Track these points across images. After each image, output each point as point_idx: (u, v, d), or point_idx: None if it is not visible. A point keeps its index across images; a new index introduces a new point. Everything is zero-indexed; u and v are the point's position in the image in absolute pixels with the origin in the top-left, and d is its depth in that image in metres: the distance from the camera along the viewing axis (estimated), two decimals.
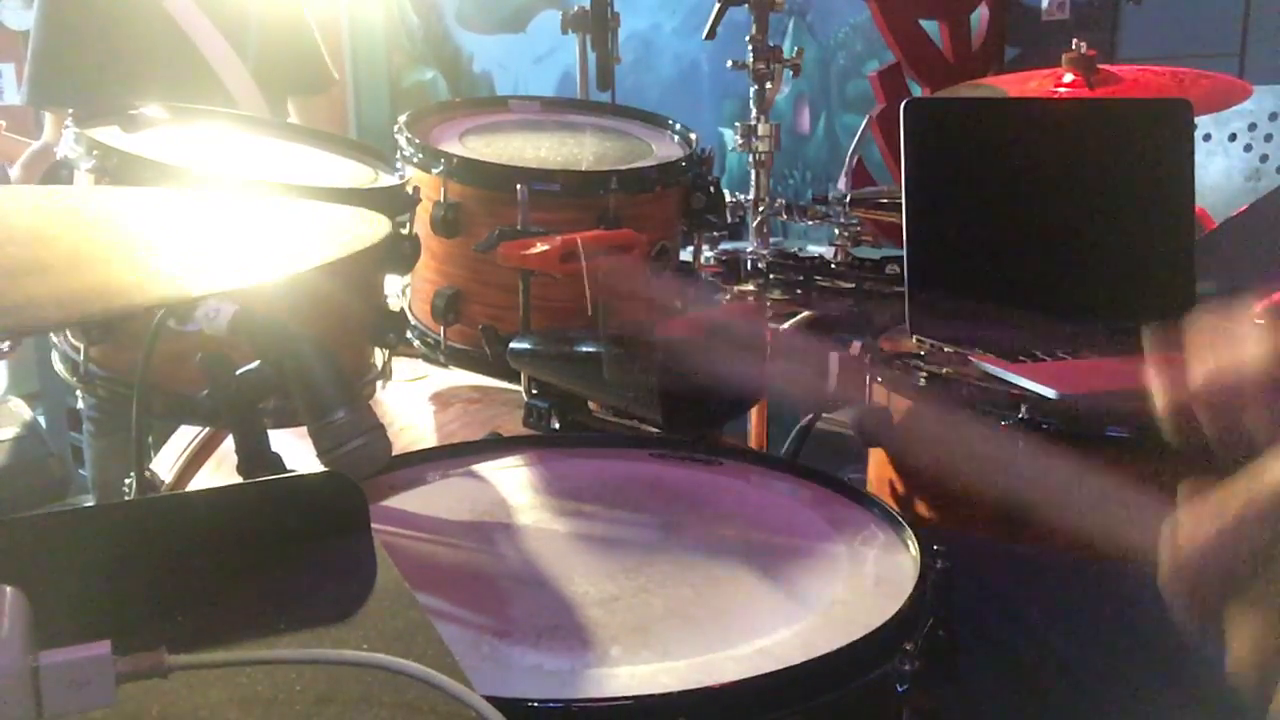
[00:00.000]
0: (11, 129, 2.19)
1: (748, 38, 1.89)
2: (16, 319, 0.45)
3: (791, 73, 1.92)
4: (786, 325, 1.95)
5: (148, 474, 1.33)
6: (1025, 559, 1.09)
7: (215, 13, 2.00)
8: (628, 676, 0.72)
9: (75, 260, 0.53)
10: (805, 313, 1.92)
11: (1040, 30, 2.99)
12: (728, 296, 1.86)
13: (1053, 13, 2.96)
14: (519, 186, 1.31)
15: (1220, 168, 2.53)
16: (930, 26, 2.93)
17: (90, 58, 1.97)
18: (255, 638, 0.58)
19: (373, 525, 0.71)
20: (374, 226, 0.66)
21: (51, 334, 1.21)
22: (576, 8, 2.06)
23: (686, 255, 1.58)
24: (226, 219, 0.73)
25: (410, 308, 1.50)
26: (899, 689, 0.75)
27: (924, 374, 1.31)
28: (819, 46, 3.55)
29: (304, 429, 0.88)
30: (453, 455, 1.13)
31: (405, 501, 1.02)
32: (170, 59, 1.97)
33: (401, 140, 1.43)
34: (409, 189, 1.26)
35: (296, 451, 0.94)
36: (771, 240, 1.98)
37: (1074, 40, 1.92)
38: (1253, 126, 2.50)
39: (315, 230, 0.68)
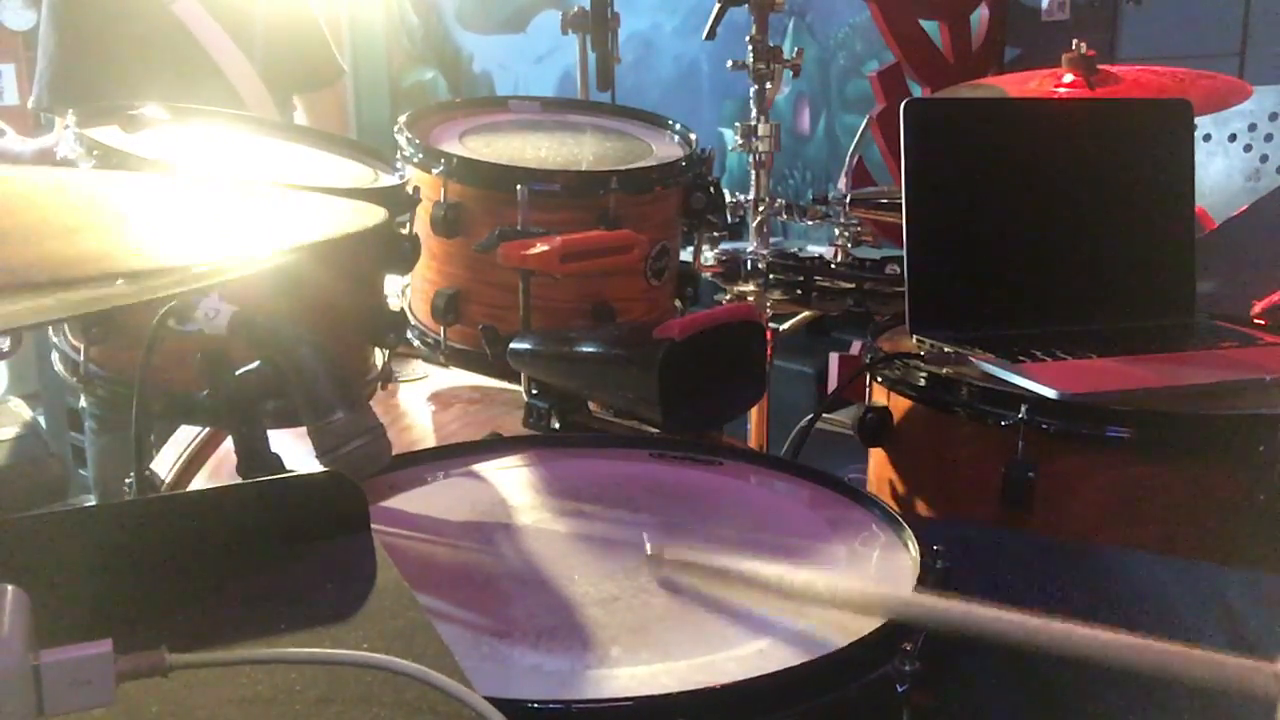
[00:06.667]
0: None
1: (748, 38, 1.88)
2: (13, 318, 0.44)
3: (791, 73, 1.92)
4: (786, 325, 1.96)
5: (148, 474, 1.33)
6: (1027, 551, 1.09)
7: (221, 14, 2.00)
8: (627, 677, 0.72)
9: (49, 231, 0.52)
10: (805, 312, 1.93)
11: (1040, 30, 2.99)
12: (728, 297, 1.86)
13: (1053, 13, 2.96)
14: (519, 186, 1.31)
15: (1220, 168, 2.53)
16: (930, 26, 2.93)
17: (97, 61, 1.97)
18: (255, 637, 0.58)
19: (373, 525, 0.71)
20: (367, 214, 0.65)
21: (51, 334, 1.21)
22: (576, 8, 2.06)
23: (686, 255, 1.57)
24: (218, 206, 0.73)
25: (410, 308, 1.50)
26: (899, 689, 0.75)
27: (924, 374, 1.31)
28: (819, 46, 3.55)
29: (304, 429, 0.88)
30: (453, 455, 1.13)
31: (405, 501, 1.02)
32: (177, 61, 1.97)
33: (401, 140, 1.43)
34: (409, 189, 1.26)
35: (296, 451, 0.95)
36: (771, 240, 1.98)
37: (1074, 40, 1.92)
38: (1253, 126, 2.50)
39: (307, 216, 0.68)
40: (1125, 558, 1.10)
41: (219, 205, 0.72)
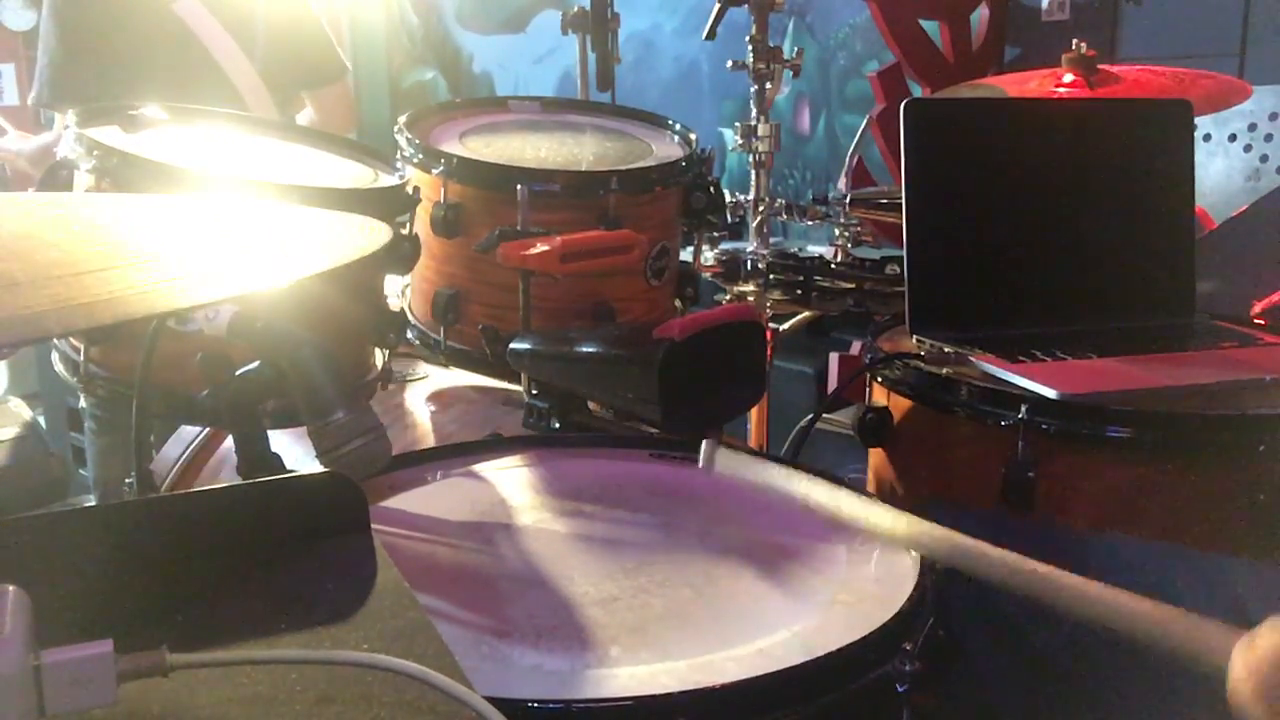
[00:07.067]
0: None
1: (748, 38, 1.88)
2: (16, 331, 0.44)
3: (791, 73, 1.92)
4: (786, 325, 1.96)
5: (148, 473, 1.33)
6: (1029, 539, 1.09)
7: (222, 12, 2.00)
8: (627, 677, 0.72)
9: (73, 270, 0.52)
10: (805, 312, 1.93)
11: (1040, 30, 2.99)
12: (728, 297, 1.86)
13: (1053, 13, 2.96)
14: (519, 187, 1.31)
15: (1220, 168, 2.53)
16: (930, 26, 2.93)
17: (99, 60, 1.97)
18: (255, 637, 0.58)
19: (373, 525, 0.71)
20: (373, 234, 0.65)
21: None
22: (576, 8, 2.06)
23: (686, 255, 1.57)
24: (225, 225, 0.73)
25: (410, 308, 1.50)
26: (899, 689, 0.75)
27: (924, 374, 1.31)
28: (819, 46, 3.55)
29: (304, 429, 0.88)
30: (453, 455, 1.13)
31: (405, 501, 1.02)
32: (178, 60, 1.97)
33: (401, 140, 1.43)
34: (409, 189, 1.26)
35: (296, 451, 0.95)
36: (771, 240, 1.98)
37: (1074, 40, 1.91)
38: (1253, 126, 2.50)
39: (314, 237, 0.68)
40: (1128, 546, 1.10)
41: (225, 229, 0.72)
